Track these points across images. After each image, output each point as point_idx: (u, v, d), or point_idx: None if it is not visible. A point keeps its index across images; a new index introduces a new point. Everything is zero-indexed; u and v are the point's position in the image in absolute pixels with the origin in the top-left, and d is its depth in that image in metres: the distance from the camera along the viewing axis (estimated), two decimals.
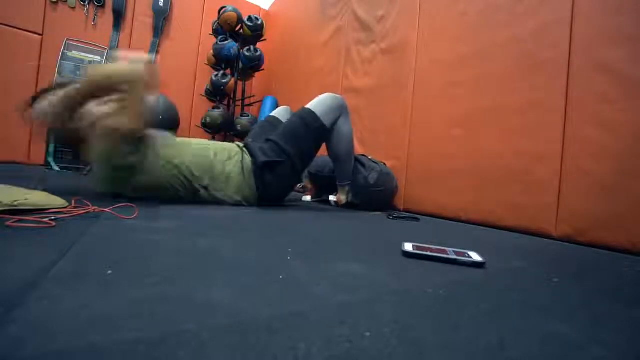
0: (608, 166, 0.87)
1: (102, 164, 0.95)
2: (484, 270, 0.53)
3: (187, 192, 1.05)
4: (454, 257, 0.55)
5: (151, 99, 1.02)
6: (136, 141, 0.94)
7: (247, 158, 1.14)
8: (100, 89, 0.92)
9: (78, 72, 2.43)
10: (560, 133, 0.97)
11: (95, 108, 0.90)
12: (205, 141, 1.19)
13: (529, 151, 1.04)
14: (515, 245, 0.85)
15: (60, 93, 0.93)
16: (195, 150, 1.09)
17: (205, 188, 1.06)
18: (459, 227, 1.13)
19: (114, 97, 0.90)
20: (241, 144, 1.21)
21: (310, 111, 1.21)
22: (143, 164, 0.95)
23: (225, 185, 1.09)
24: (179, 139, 1.12)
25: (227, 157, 1.12)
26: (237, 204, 1.11)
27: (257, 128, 1.51)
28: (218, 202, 1.08)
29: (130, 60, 0.98)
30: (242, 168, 1.12)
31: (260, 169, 1.11)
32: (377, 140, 1.67)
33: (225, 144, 1.20)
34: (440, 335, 0.28)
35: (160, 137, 1.04)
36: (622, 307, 0.42)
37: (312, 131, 1.19)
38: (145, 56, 1.02)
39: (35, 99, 0.96)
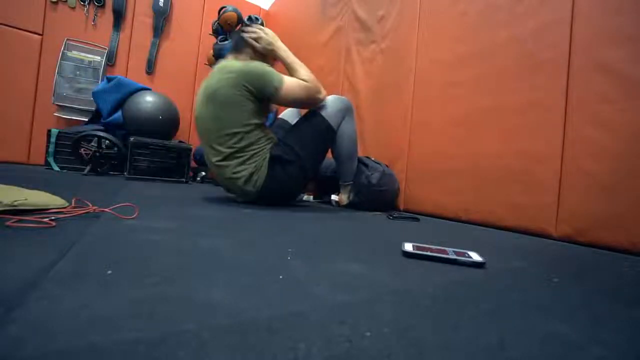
0: (608, 166, 0.87)
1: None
2: (484, 270, 0.53)
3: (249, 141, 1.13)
4: (454, 257, 0.55)
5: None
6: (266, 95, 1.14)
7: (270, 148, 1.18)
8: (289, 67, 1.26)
9: (78, 72, 2.43)
10: (560, 133, 0.97)
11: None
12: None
13: (529, 151, 1.04)
14: (515, 245, 0.85)
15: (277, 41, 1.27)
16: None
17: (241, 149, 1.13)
18: (459, 227, 1.13)
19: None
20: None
21: (319, 114, 1.23)
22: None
23: (252, 163, 1.14)
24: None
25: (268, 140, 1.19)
26: (240, 191, 1.16)
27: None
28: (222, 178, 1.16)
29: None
30: (266, 154, 1.16)
31: (272, 161, 1.15)
32: (377, 140, 1.67)
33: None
34: (440, 335, 0.28)
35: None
36: (622, 307, 0.42)
37: (321, 134, 1.22)
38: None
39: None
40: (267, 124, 1.46)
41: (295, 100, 1.18)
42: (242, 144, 1.12)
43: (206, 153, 1.19)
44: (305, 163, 1.19)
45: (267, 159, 1.15)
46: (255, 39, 1.23)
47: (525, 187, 1.05)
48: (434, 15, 1.45)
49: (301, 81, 1.18)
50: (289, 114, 1.50)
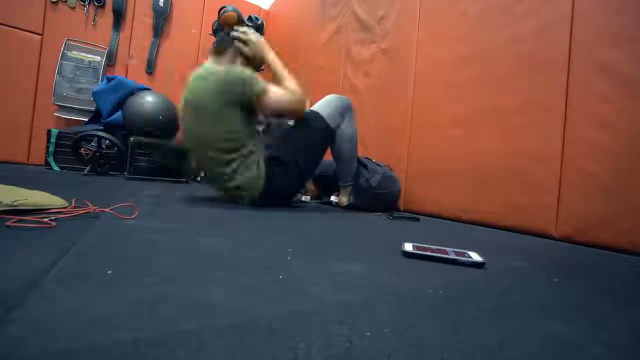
0: (608, 166, 0.87)
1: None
2: (484, 270, 0.53)
3: (223, 165, 1.09)
4: (454, 257, 0.55)
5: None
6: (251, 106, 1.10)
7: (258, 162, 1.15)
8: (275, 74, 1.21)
9: (78, 72, 2.43)
10: (560, 133, 0.97)
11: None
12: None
13: (529, 151, 1.04)
14: (515, 245, 0.85)
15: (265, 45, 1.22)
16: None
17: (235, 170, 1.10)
18: (459, 227, 1.13)
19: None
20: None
21: (317, 114, 1.22)
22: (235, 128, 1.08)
23: (242, 173, 1.11)
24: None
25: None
26: (237, 197, 1.14)
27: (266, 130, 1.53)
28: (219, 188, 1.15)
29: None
30: (261, 160, 1.14)
31: (270, 164, 1.13)
32: (377, 140, 1.67)
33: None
34: (440, 335, 0.28)
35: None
36: (622, 307, 0.42)
37: (319, 134, 1.21)
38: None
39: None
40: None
41: (278, 110, 1.15)
42: (236, 154, 1.09)
43: (197, 161, 1.16)
44: (304, 164, 1.18)
45: (264, 164, 1.12)
46: (244, 42, 1.19)
47: (525, 187, 1.05)
48: (434, 15, 1.45)
49: (286, 91, 1.13)
50: None
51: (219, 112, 1.05)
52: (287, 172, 1.15)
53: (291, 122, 1.31)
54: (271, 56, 1.20)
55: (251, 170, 1.11)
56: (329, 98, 1.26)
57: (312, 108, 1.25)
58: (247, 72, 1.10)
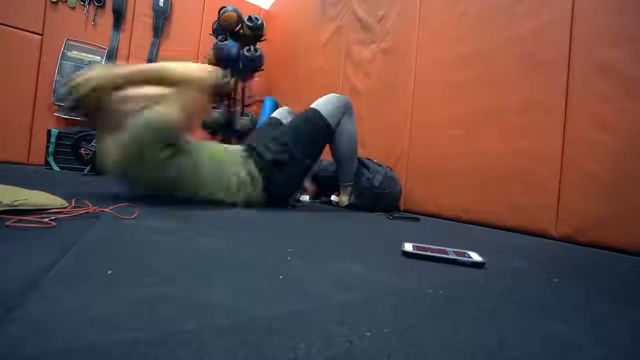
0: (608, 166, 0.87)
1: (132, 145, 0.89)
2: (484, 270, 0.53)
3: (191, 196, 1.02)
4: (454, 257, 0.55)
5: (210, 110, 1.06)
6: (173, 140, 0.96)
7: (253, 166, 1.11)
8: (158, 80, 0.96)
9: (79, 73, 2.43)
10: (560, 133, 0.97)
11: (148, 92, 0.94)
12: (217, 151, 1.12)
13: (529, 151, 1.04)
14: (515, 245, 0.85)
15: (113, 71, 0.95)
16: (210, 167, 1.05)
17: (214, 195, 1.04)
18: (459, 227, 1.13)
19: (171, 90, 0.94)
20: (244, 147, 1.17)
21: (316, 111, 1.21)
22: (167, 164, 0.94)
23: (235, 195, 1.07)
24: (208, 144, 1.12)
25: (238, 166, 1.10)
26: (241, 203, 1.10)
27: (259, 130, 1.46)
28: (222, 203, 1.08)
29: (204, 67, 1.01)
30: (250, 176, 1.10)
31: (268, 168, 1.10)
32: (377, 141, 1.67)
33: (230, 149, 1.16)
34: (440, 335, 0.28)
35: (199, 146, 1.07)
36: (622, 307, 0.42)
37: (318, 131, 1.20)
38: (220, 70, 1.05)
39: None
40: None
41: (195, 112, 1.02)
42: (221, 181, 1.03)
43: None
44: (303, 162, 1.16)
45: (256, 170, 1.09)
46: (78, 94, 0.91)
47: (525, 187, 1.05)
48: (434, 15, 1.45)
49: (172, 99, 0.94)
50: (281, 113, 1.44)
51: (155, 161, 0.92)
52: (286, 172, 1.14)
53: (285, 122, 1.27)
54: (121, 74, 0.95)
55: (241, 188, 1.07)
56: (329, 97, 1.26)
57: (311, 106, 1.24)
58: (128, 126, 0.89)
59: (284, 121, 1.35)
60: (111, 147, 0.93)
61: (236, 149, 1.18)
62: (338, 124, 1.24)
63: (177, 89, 0.94)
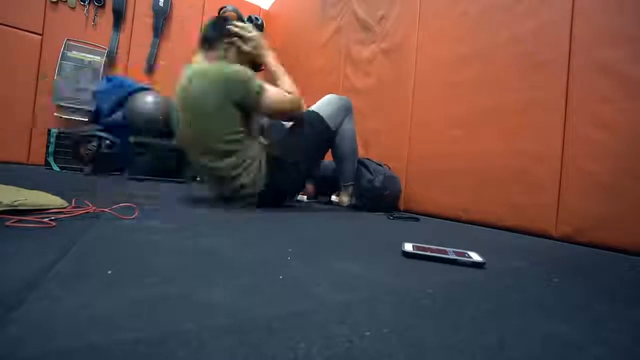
0: (608, 166, 0.87)
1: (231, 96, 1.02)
2: (484, 270, 0.53)
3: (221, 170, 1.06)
4: (454, 257, 0.55)
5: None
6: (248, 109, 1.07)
7: (264, 159, 1.12)
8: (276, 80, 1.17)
9: (78, 73, 2.43)
10: (560, 133, 0.97)
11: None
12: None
13: (529, 151, 1.04)
14: (515, 245, 0.85)
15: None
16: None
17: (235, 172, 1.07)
18: (459, 227, 1.13)
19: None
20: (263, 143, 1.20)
21: (316, 114, 1.21)
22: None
23: (242, 176, 1.08)
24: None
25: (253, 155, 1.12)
26: (237, 199, 1.10)
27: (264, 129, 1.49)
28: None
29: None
30: (262, 161, 1.11)
31: (270, 165, 1.11)
32: (377, 140, 1.67)
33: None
34: (440, 335, 0.28)
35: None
36: (622, 307, 0.42)
37: (318, 134, 1.20)
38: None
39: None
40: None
41: (276, 112, 1.12)
42: (236, 156, 1.05)
43: (196, 164, 1.11)
44: (304, 164, 1.17)
45: (263, 165, 1.10)
46: (244, 39, 1.13)
47: (525, 187, 1.05)
48: (434, 15, 1.45)
49: (286, 93, 1.10)
50: None
51: (220, 112, 1.02)
52: (287, 173, 1.14)
53: (286, 124, 1.29)
54: (270, 55, 1.17)
55: (251, 173, 1.08)
56: (329, 98, 1.26)
57: (311, 108, 1.23)
58: (248, 71, 1.06)
59: (285, 124, 1.34)
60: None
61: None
62: (339, 125, 1.24)
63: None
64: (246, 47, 1.13)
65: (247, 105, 1.05)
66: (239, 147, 1.06)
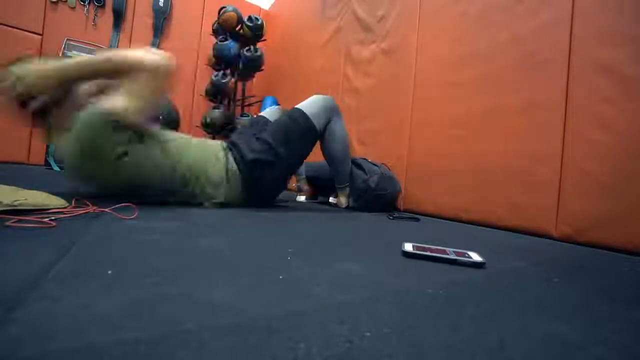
0: (608, 166, 0.87)
1: (82, 143, 0.84)
2: (484, 270, 0.53)
3: (166, 194, 0.95)
4: (454, 257, 0.55)
5: (161, 96, 1.00)
6: (129, 131, 0.89)
7: (232, 160, 1.07)
8: (110, 71, 0.89)
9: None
10: (560, 133, 0.97)
11: (93, 87, 0.91)
12: (198, 140, 1.10)
13: (529, 151, 1.04)
14: (515, 245, 0.85)
15: (53, 64, 0.86)
16: (196, 150, 1.03)
17: (192, 191, 0.98)
18: (459, 227, 1.13)
19: (120, 81, 0.88)
20: (225, 143, 1.13)
21: (301, 111, 1.18)
22: (130, 156, 0.88)
23: (213, 191, 1.02)
24: (177, 135, 1.05)
25: (215, 160, 1.05)
26: (218, 206, 1.04)
27: (244, 128, 1.41)
28: (194, 202, 1.01)
29: (151, 53, 0.91)
30: (227, 173, 1.05)
31: (249, 167, 1.06)
32: (377, 140, 1.67)
33: (210, 142, 1.12)
34: (440, 335, 0.28)
35: (160, 133, 0.99)
36: (622, 307, 0.42)
37: (302, 131, 1.17)
38: (167, 54, 0.93)
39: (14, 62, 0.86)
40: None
41: (148, 101, 0.93)
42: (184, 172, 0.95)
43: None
44: (285, 160, 1.12)
45: (235, 168, 1.05)
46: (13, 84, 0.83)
47: (525, 187, 1.05)
48: (434, 15, 1.45)
49: (129, 87, 0.89)
50: (270, 113, 1.41)
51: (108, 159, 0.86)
52: (270, 171, 1.09)
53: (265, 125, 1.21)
54: (73, 64, 0.88)
55: (216, 177, 1.02)
56: (314, 98, 1.23)
57: (297, 107, 1.21)
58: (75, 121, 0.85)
59: (272, 120, 1.31)
60: (65, 150, 0.87)
61: (216, 142, 1.13)
62: (325, 125, 1.22)
63: (129, 76, 0.87)
64: (19, 89, 0.84)
65: (118, 131, 0.87)
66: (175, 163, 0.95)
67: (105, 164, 0.87)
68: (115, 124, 0.86)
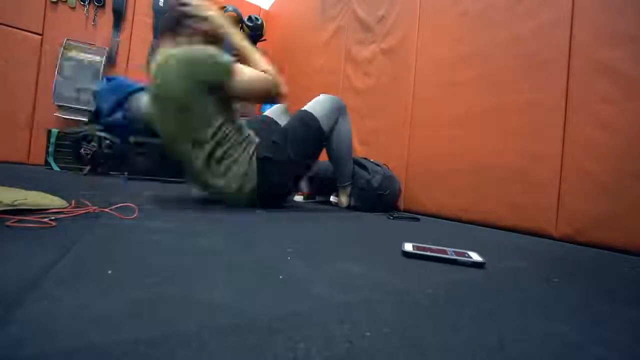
0: (608, 166, 0.87)
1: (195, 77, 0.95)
2: (484, 270, 0.53)
3: (203, 165, 1.02)
4: (454, 257, 0.55)
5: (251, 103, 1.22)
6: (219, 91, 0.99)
7: (254, 159, 1.09)
8: (248, 61, 1.07)
9: (78, 72, 2.43)
10: (560, 133, 0.97)
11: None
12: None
13: (529, 151, 1.04)
14: (515, 245, 0.85)
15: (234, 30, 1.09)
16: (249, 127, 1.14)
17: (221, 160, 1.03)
18: (459, 227, 1.13)
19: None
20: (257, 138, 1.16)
21: (309, 113, 1.18)
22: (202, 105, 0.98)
23: (236, 168, 1.05)
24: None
25: (247, 146, 1.09)
26: (229, 196, 1.06)
27: (256, 127, 1.40)
28: (210, 189, 1.07)
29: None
30: (249, 165, 1.07)
31: (262, 164, 1.07)
32: (377, 140, 1.67)
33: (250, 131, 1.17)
34: (440, 335, 0.28)
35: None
36: (622, 307, 0.42)
37: (312, 134, 1.17)
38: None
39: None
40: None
41: (251, 92, 1.03)
42: (218, 151, 1.01)
43: (179, 158, 1.05)
44: (297, 163, 1.13)
45: (254, 163, 1.06)
46: (198, 18, 1.03)
47: (525, 187, 1.05)
48: (434, 15, 1.45)
49: (260, 72, 1.03)
50: (275, 112, 1.41)
51: (187, 98, 0.95)
52: (280, 172, 1.10)
53: (280, 122, 1.25)
54: (235, 35, 1.08)
55: (240, 166, 1.04)
56: (321, 98, 1.23)
57: (304, 108, 1.21)
58: (210, 49, 0.97)
59: (279, 121, 1.32)
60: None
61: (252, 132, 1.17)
62: (333, 125, 1.22)
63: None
64: (203, 27, 1.04)
65: (217, 86, 0.97)
66: (218, 138, 1.01)
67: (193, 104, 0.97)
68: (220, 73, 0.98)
